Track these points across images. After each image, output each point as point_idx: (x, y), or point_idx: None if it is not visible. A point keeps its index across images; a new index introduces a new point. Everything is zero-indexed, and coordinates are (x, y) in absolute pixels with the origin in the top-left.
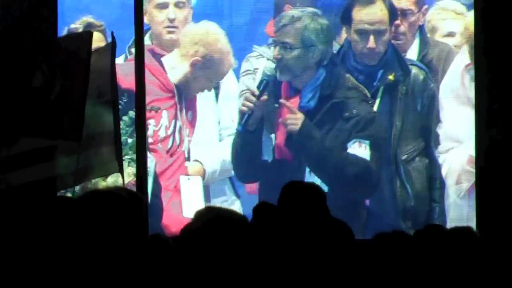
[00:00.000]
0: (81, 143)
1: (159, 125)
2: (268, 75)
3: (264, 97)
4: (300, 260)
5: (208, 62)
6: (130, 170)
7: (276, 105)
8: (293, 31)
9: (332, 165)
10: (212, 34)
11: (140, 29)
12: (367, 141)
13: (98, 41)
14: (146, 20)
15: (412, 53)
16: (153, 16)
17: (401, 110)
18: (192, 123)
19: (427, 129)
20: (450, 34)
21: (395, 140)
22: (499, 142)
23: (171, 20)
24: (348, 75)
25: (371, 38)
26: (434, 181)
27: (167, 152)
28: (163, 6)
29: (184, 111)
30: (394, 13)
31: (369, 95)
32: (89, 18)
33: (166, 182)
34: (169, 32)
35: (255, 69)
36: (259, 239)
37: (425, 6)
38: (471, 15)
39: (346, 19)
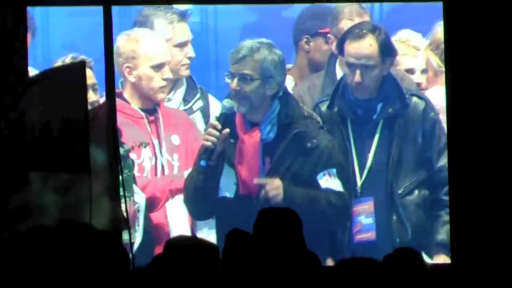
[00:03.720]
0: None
1: (141, 158)
2: (228, 107)
3: (227, 130)
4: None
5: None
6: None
7: (232, 140)
8: (253, 63)
9: (304, 200)
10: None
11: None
12: (334, 170)
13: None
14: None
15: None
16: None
17: (400, 144)
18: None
19: (429, 161)
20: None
21: (391, 175)
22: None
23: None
24: (301, 104)
25: (357, 72)
26: (435, 212)
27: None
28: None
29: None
30: (388, 49)
31: (321, 123)
32: (76, 55)
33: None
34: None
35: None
36: (231, 265)
37: None
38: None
39: (340, 50)
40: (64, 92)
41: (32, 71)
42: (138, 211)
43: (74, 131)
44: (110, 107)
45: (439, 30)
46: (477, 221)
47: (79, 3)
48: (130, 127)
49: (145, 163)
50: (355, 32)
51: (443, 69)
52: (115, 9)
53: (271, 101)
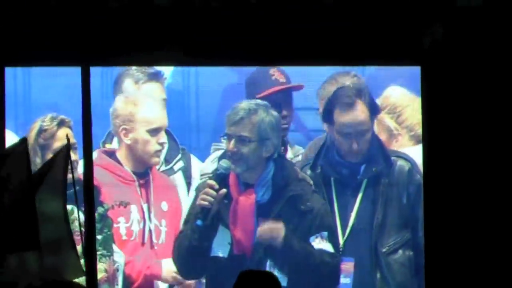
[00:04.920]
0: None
1: (130, 221)
2: (225, 167)
3: (224, 190)
4: None
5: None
6: (101, 266)
7: (225, 201)
8: (250, 124)
9: (294, 261)
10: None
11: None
12: (326, 233)
13: (61, 139)
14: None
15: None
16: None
17: (383, 203)
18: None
19: (414, 220)
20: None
21: (375, 233)
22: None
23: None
24: (296, 167)
25: (354, 140)
26: (421, 270)
27: (143, 244)
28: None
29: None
30: (374, 108)
31: (313, 186)
32: (55, 114)
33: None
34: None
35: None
36: None
37: None
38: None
39: (328, 119)
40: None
41: (9, 133)
42: (117, 270)
43: (19, 203)
44: (85, 162)
45: (391, 94)
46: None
47: (57, 63)
48: (120, 189)
49: (134, 227)
50: (344, 102)
51: (400, 131)
52: (96, 69)
53: (266, 163)
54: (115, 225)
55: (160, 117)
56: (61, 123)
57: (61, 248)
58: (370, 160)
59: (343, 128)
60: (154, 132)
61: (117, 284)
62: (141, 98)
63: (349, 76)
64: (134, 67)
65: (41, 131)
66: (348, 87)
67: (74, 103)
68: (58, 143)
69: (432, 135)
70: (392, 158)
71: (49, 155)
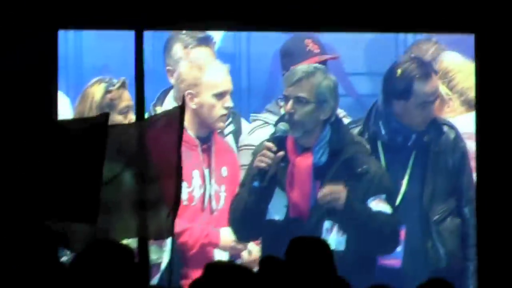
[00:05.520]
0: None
1: (192, 186)
2: (283, 130)
3: (281, 153)
4: None
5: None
6: None
7: (282, 164)
8: (308, 86)
9: (355, 222)
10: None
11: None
12: (384, 195)
13: (127, 100)
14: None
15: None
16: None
17: (433, 171)
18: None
19: (459, 188)
20: None
21: (426, 201)
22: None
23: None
24: (351, 130)
25: (433, 107)
26: (467, 239)
27: (202, 210)
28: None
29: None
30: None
31: (370, 150)
32: (107, 77)
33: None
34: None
35: (266, 123)
36: None
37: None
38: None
39: (406, 93)
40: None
41: (62, 96)
42: None
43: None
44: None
45: (444, 59)
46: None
47: (111, 27)
48: (184, 154)
49: (195, 192)
50: (423, 72)
51: (451, 96)
52: (148, 33)
53: (323, 126)
54: None
55: (225, 81)
56: (123, 85)
57: (118, 208)
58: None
59: (421, 98)
60: (219, 96)
61: (165, 246)
62: (206, 63)
63: (431, 43)
64: (184, 32)
65: (107, 91)
66: (416, 58)
67: (123, 66)
68: (123, 104)
69: (485, 103)
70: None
71: (115, 116)
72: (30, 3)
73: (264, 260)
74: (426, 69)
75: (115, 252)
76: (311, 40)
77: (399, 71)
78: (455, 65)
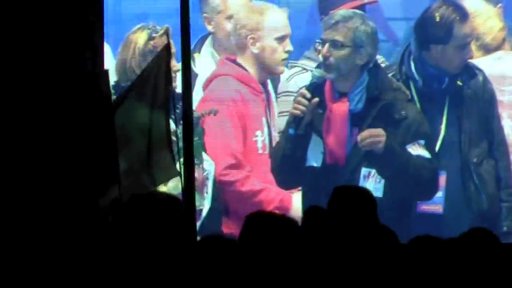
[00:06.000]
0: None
1: (263, 134)
2: (318, 76)
3: (316, 99)
4: (347, 265)
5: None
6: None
7: (320, 110)
8: (345, 29)
9: (394, 167)
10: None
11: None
12: (422, 142)
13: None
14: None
15: None
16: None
17: (468, 115)
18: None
19: (489, 131)
20: None
21: (465, 145)
22: None
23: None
24: (390, 76)
25: (471, 48)
26: (500, 181)
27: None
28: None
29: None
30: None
31: (409, 96)
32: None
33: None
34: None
35: (304, 69)
36: (309, 242)
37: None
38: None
39: (446, 36)
40: None
41: (107, 46)
42: (207, 178)
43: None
44: (183, 73)
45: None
46: None
47: None
48: (252, 101)
49: (267, 140)
50: (461, 15)
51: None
52: None
53: (361, 71)
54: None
55: (285, 25)
56: (166, 32)
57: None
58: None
59: (462, 40)
60: (280, 40)
61: (207, 192)
62: (267, 7)
63: None
64: None
65: (150, 38)
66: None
67: (163, 14)
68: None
69: None
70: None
71: None
72: None
73: (308, 210)
74: (463, 10)
75: (163, 202)
76: None
77: (437, 15)
78: (473, 9)
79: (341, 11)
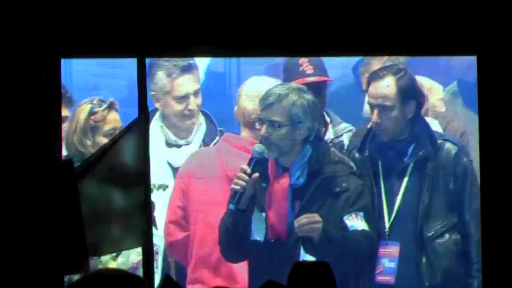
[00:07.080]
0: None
1: None
2: (259, 152)
3: (256, 175)
4: None
5: None
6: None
7: (264, 184)
8: (281, 109)
9: (332, 242)
10: None
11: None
12: (361, 213)
13: (113, 121)
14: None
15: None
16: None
17: (430, 187)
18: None
19: (460, 204)
20: None
21: (421, 217)
22: None
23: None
24: (333, 149)
25: (375, 111)
26: (469, 255)
27: None
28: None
29: None
30: (408, 90)
31: (354, 167)
32: (104, 98)
33: None
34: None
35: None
36: None
37: None
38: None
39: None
40: None
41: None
42: (157, 253)
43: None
44: (142, 152)
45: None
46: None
47: (113, 55)
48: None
49: None
50: (378, 73)
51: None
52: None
53: (303, 145)
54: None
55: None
56: (111, 106)
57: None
58: (417, 142)
59: (369, 99)
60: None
61: (156, 267)
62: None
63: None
64: (165, 59)
65: (92, 113)
66: (393, 64)
67: (115, 89)
68: (109, 126)
69: (487, 127)
70: (439, 141)
71: (100, 138)
72: (32, 33)
73: (266, 285)
74: (383, 70)
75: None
76: (307, 60)
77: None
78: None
79: (276, 89)
